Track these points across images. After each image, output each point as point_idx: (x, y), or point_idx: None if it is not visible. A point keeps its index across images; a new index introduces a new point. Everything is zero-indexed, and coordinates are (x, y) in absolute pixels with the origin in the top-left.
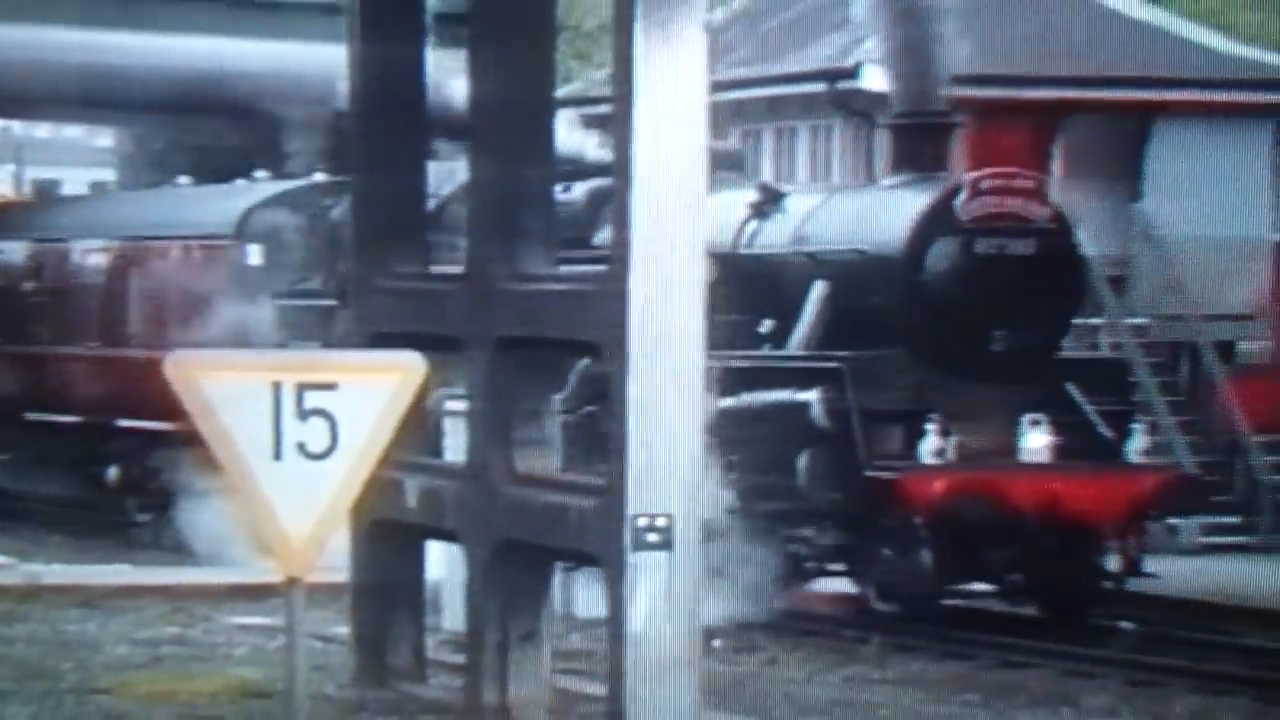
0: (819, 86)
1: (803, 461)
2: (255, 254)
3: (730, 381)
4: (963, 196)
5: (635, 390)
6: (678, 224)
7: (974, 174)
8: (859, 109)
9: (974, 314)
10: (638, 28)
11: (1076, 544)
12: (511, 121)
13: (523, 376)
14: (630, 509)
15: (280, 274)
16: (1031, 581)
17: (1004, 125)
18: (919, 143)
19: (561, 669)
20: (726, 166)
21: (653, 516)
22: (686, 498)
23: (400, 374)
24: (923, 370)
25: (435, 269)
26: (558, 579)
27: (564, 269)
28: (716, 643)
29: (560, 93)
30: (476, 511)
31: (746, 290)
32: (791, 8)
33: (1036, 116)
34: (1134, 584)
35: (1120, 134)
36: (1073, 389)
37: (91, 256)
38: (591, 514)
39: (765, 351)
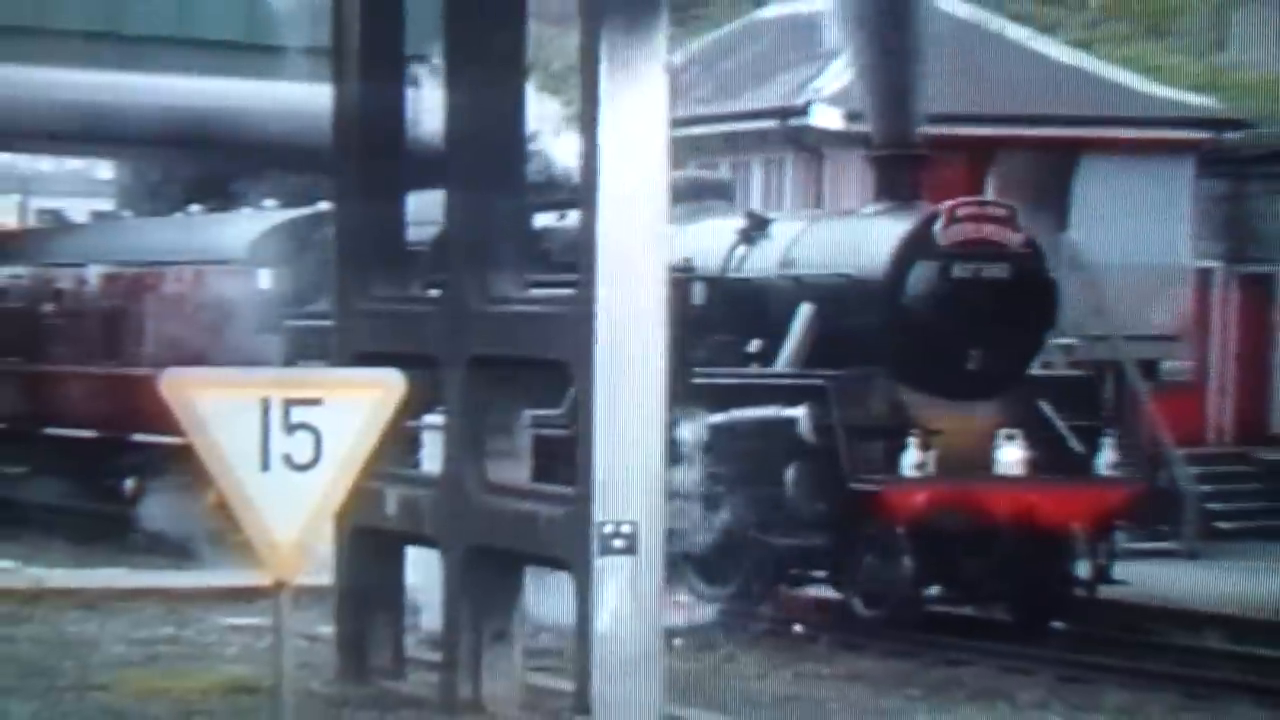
0: (772, 123)
1: (790, 474)
2: (265, 277)
3: (721, 398)
4: (941, 223)
5: (601, 406)
6: (640, 251)
7: (951, 202)
8: (809, 144)
9: (951, 335)
10: (602, 68)
11: (1049, 553)
12: (484, 157)
13: (495, 393)
14: (596, 516)
15: (288, 296)
16: (1006, 588)
17: (942, 160)
18: (898, 173)
19: (532, 666)
20: (715, 195)
21: (618, 523)
22: (649, 506)
23: (381, 390)
24: (903, 388)
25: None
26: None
27: (533, 292)
28: (677, 641)
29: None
30: (452, 519)
31: (735, 312)
32: (746, 50)
33: (971, 152)
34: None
35: (1049, 168)
36: (1044, 406)
37: (108, 280)
38: (560, 521)
39: (754, 370)
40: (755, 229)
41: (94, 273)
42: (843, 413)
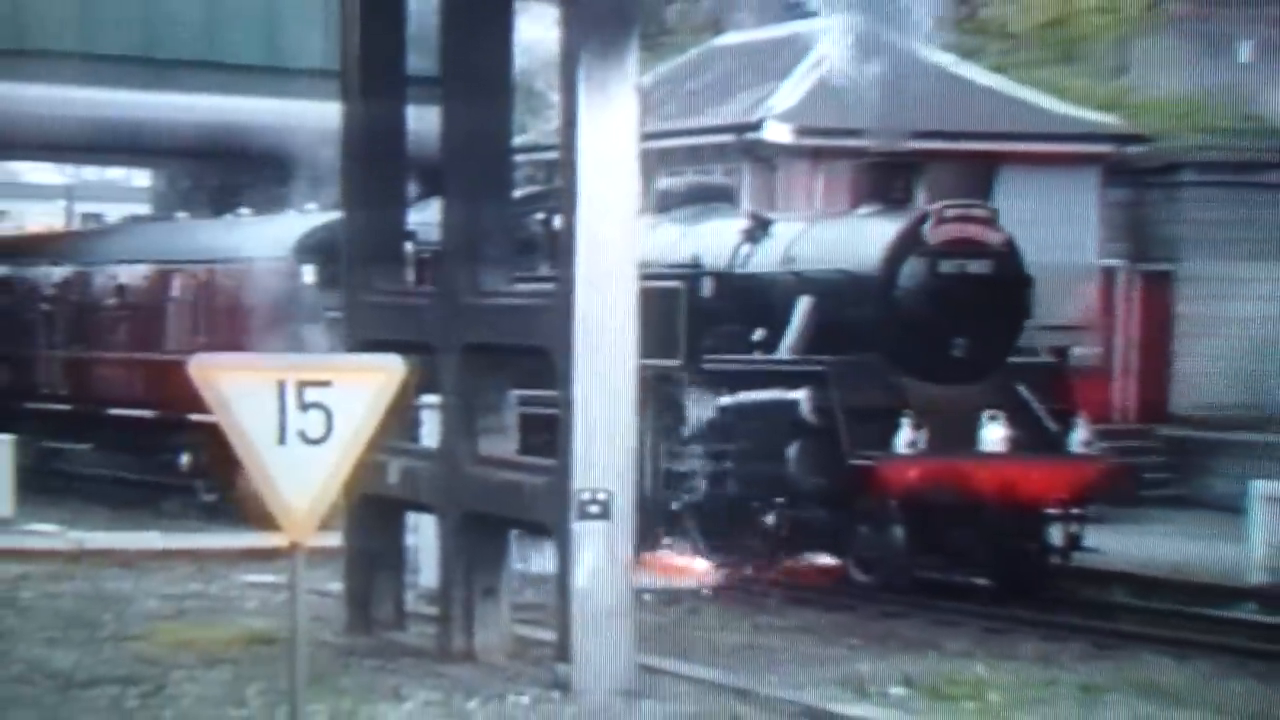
0: (730, 137)
1: (792, 451)
2: (308, 273)
3: (729, 382)
4: (929, 224)
5: (579, 388)
6: (614, 250)
7: (939, 204)
8: (762, 155)
9: (939, 325)
10: (580, 89)
11: (1028, 523)
12: (476, 166)
13: (485, 377)
14: (575, 485)
15: (329, 290)
16: (989, 556)
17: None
18: (890, 179)
19: (519, 619)
20: (718, 199)
21: (594, 492)
22: (621, 477)
23: (384, 374)
24: (896, 373)
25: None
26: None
27: (519, 287)
28: (647, 597)
29: (516, 142)
30: (447, 488)
31: (741, 304)
32: (707, 73)
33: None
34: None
35: (972, 178)
36: (1023, 389)
37: (165, 276)
38: (542, 490)
39: (759, 357)
40: (758, 229)
41: (152, 269)
42: (841, 396)
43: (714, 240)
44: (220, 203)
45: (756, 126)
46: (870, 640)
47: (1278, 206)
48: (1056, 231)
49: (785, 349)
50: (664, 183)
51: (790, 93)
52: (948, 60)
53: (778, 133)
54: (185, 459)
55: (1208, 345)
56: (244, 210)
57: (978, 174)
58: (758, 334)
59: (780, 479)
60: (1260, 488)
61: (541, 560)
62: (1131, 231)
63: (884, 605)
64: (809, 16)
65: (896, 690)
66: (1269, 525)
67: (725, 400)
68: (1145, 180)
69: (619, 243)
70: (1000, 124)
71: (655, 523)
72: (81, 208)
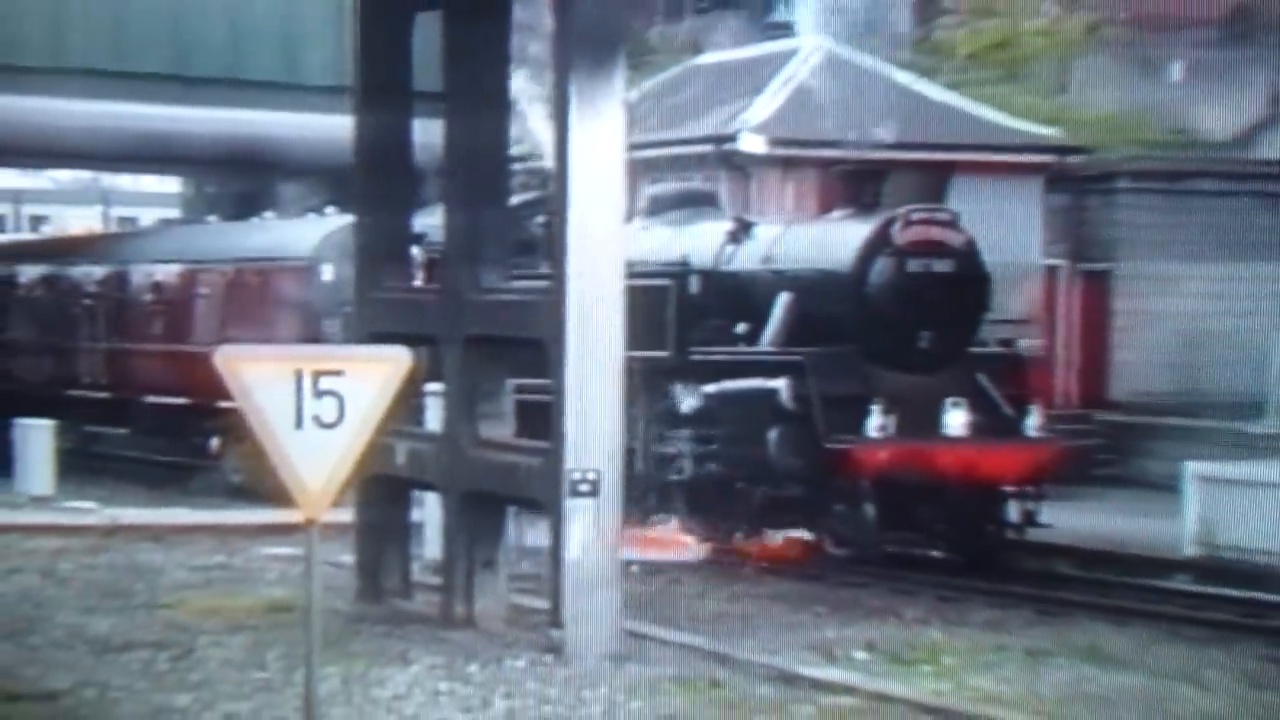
0: (708, 148)
1: (772, 435)
2: (328, 272)
3: (714, 372)
4: (897, 226)
5: (571, 376)
6: (602, 250)
7: (906, 208)
8: (738, 164)
9: (906, 319)
10: (572, 104)
11: (988, 501)
12: (475, 175)
13: (485, 366)
14: (567, 466)
15: (348, 288)
16: (951, 531)
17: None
18: (860, 185)
19: (515, 588)
20: (705, 204)
21: (584, 471)
22: (609, 458)
23: (392, 364)
24: (867, 364)
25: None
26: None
27: (515, 283)
28: (633, 568)
29: (513, 152)
30: (450, 468)
31: (726, 300)
32: (687, 89)
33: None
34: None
35: (927, 185)
36: (982, 378)
37: (196, 274)
38: (537, 470)
39: (742, 348)
40: (742, 231)
41: (185, 268)
42: (817, 384)
43: (701, 241)
44: (244, 207)
45: (732, 138)
46: (836, 608)
47: (1204, 212)
48: (1004, 233)
49: (766, 341)
50: (655, 188)
51: (763, 107)
52: (907, 78)
53: (752, 143)
54: (215, 443)
55: (1142, 337)
56: (269, 214)
57: (932, 181)
58: (741, 327)
59: (762, 461)
60: (1192, 468)
61: (536, 534)
62: (1071, 234)
63: (847, 576)
64: (781, 38)
65: (860, 654)
66: (1200, 502)
67: (711, 388)
68: (1084, 187)
69: (607, 242)
70: (953, 136)
71: (647, 500)
72: (117, 212)
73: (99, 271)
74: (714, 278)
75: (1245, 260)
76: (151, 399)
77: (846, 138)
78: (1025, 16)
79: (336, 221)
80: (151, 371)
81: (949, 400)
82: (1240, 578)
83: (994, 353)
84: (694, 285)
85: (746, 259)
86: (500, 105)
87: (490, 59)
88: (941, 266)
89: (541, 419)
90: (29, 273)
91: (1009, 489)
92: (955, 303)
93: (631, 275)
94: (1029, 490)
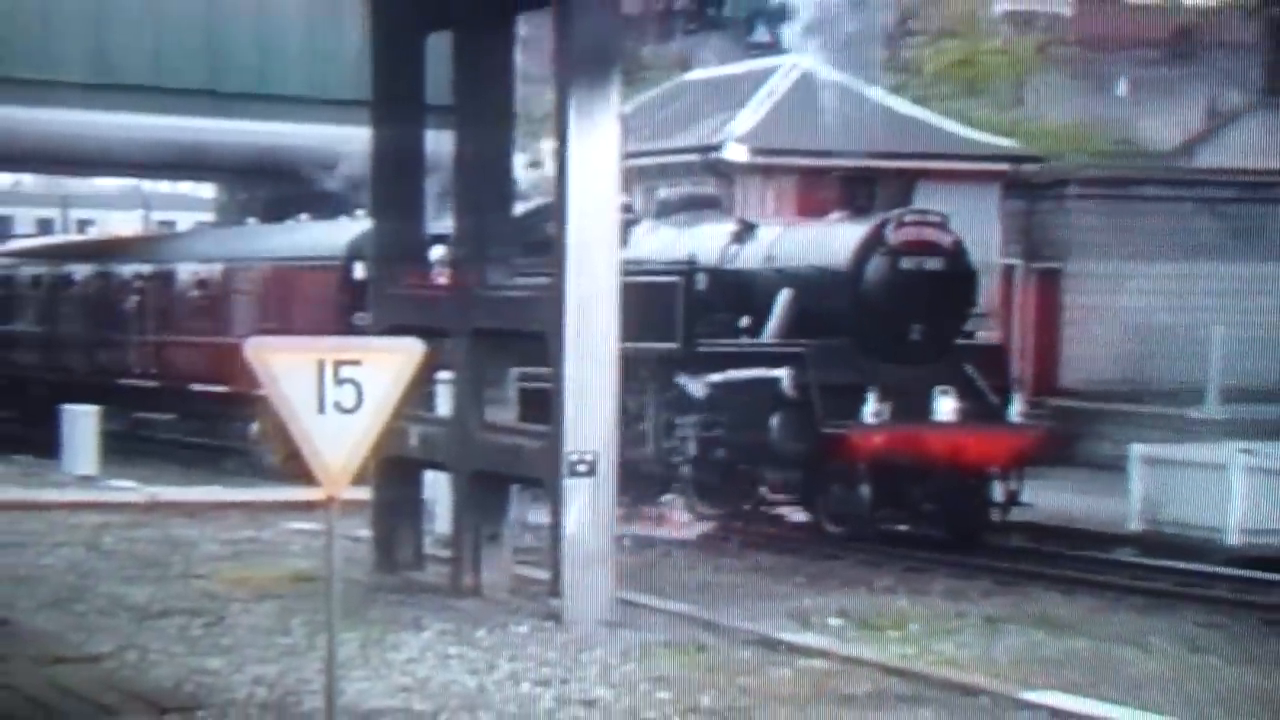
0: (696, 156)
1: (774, 421)
2: (359, 270)
3: (719, 362)
4: (891, 227)
5: (570, 365)
6: (599, 250)
7: (899, 211)
8: (724, 172)
9: (899, 313)
10: (571, 116)
11: (974, 483)
12: (482, 180)
13: (491, 356)
14: (566, 448)
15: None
16: (941, 510)
17: (818, 184)
18: (856, 190)
19: (519, 561)
20: (708, 206)
21: (582, 453)
22: (605, 440)
23: (406, 354)
24: (863, 355)
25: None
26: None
27: (520, 281)
28: (626, 542)
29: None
30: (459, 449)
31: (730, 296)
32: (677, 102)
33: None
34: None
35: (894, 191)
36: (969, 368)
37: (238, 272)
38: (538, 452)
39: (745, 340)
40: (745, 232)
41: (225, 266)
42: (816, 374)
43: (706, 241)
44: (275, 211)
45: (718, 147)
46: (812, 579)
47: (1147, 216)
48: (965, 235)
49: (768, 334)
50: (663, 192)
51: (747, 119)
52: (878, 93)
53: (736, 152)
54: (254, 428)
55: (1090, 330)
56: (303, 216)
57: (899, 187)
58: (744, 321)
59: (764, 445)
60: (1137, 450)
61: (538, 511)
62: (1026, 235)
63: (823, 548)
64: (763, 57)
65: (834, 621)
66: (1145, 481)
67: (717, 377)
68: (1037, 193)
69: (603, 243)
70: (919, 146)
71: (655, 481)
72: (156, 216)
73: (148, 270)
74: (719, 275)
75: (1186, 260)
76: (196, 387)
77: (824, 147)
78: (984, 37)
79: (366, 223)
80: (195, 362)
81: (939, 389)
82: (1180, 550)
83: (979, 345)
84: (701, 282)
85: (749, 258)
86: (505, 117)
87: (496, 75)
88: (932, 265)
89: (542, 405)
90: (82, 271)
91: (994, 471)
92: (944, 298)
93: (642, 272)
94: (1012, 472)
